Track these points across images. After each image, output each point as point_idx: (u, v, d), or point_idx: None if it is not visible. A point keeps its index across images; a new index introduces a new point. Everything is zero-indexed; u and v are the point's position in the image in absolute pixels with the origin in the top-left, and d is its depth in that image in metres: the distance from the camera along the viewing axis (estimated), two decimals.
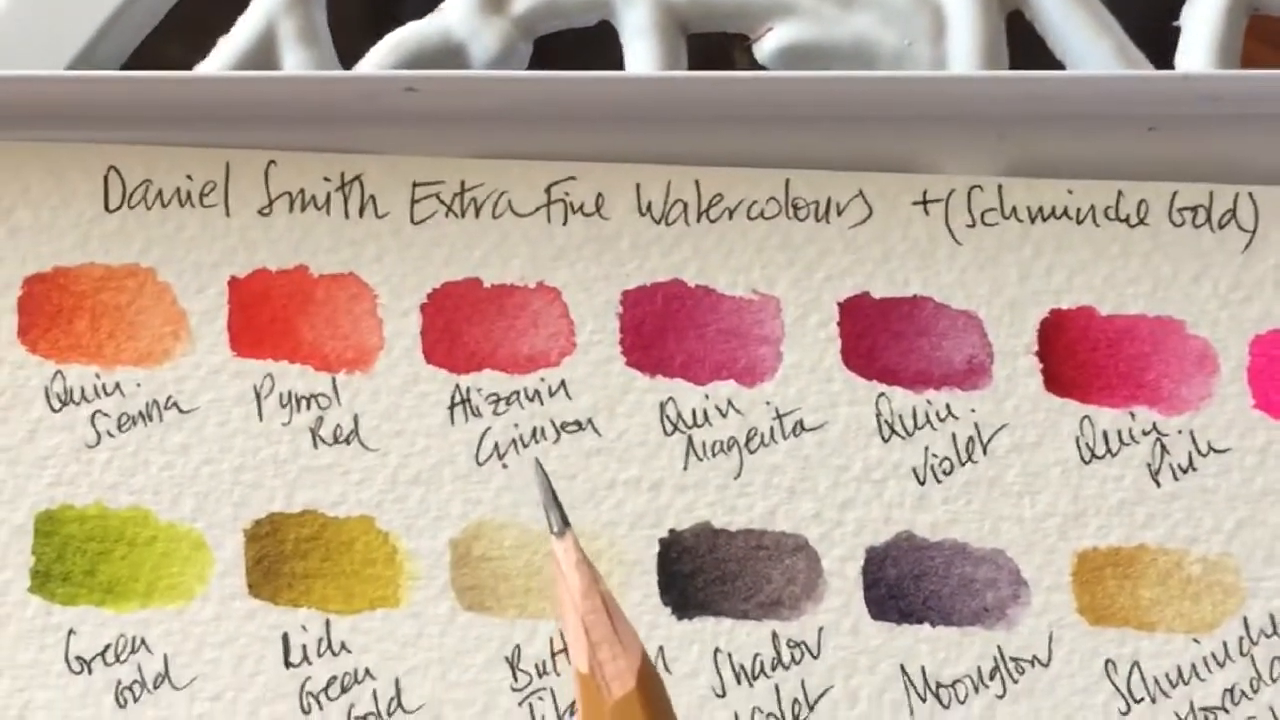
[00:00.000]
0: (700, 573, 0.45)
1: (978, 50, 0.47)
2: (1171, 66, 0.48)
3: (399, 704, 0.45)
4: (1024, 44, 0.48)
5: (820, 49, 0.47)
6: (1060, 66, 0.48)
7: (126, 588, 0.45)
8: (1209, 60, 0.47)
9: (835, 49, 0.48)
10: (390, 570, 0.45)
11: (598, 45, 0.49)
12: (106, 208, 0.46)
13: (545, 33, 0.49)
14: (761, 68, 0.49)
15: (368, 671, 0.45)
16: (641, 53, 0.48)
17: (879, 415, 0.46)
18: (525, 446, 0.46)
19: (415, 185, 0.47)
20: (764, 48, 0.48)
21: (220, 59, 0.48)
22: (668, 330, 0.46)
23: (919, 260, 0.46)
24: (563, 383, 0.46)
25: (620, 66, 0.48)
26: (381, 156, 0.47)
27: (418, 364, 0.46)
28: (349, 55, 0.49)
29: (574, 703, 0.44)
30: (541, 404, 0.46)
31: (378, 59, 0.48)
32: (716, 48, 0.50)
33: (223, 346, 0.46)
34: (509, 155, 0.47)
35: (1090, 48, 0.48)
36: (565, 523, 0.38)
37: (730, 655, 0.45)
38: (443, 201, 0.47)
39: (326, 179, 0.47)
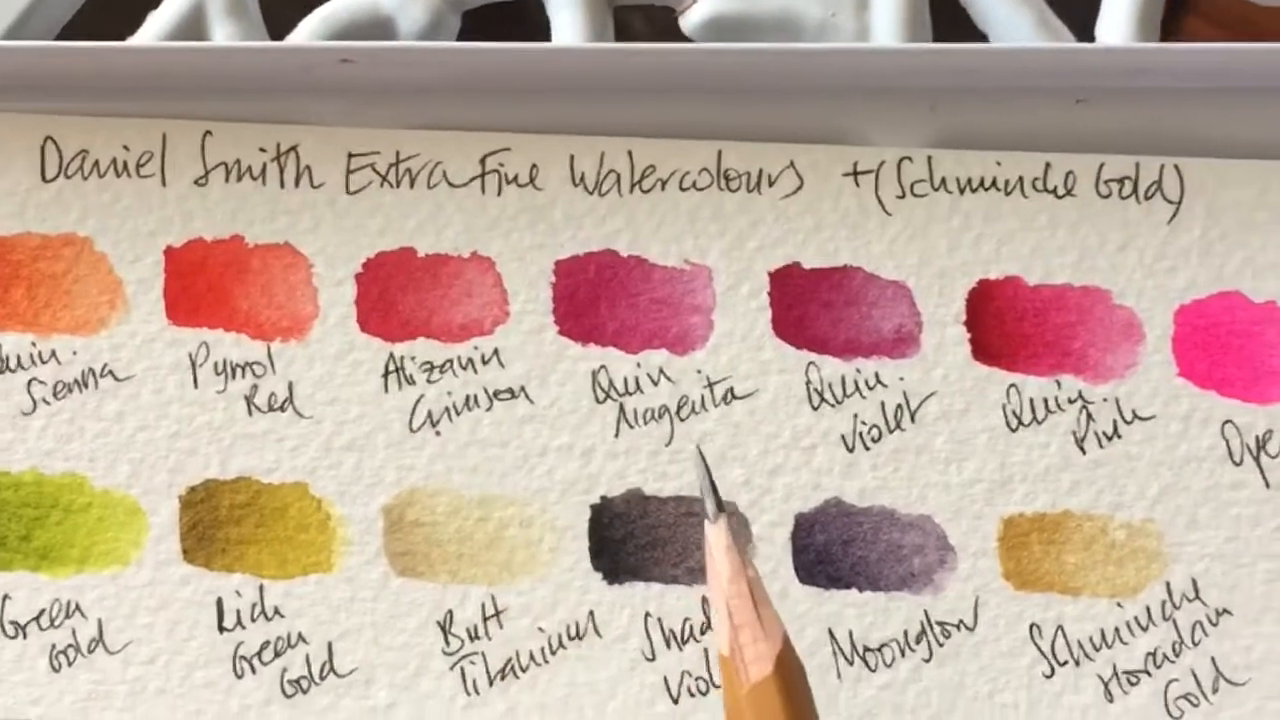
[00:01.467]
0: (631, 538, 0.47)
1: (901, 21, 0.49)
2: (1092, 38, 0.49)
3: (331, 668, 0.46)
4: (948, 15, 0.50)
5: (745, 21, 0.49)
6: (983, 38, 0.50)
7: (61, 553, 0.46)
8: (1130, 31, 0.49)
9: (760, 20, 0.49)
10: (324, 536, 0.47)
11: (522, 18, 0.51)
12: (43, 177, 0.48)
13: (472, 6, 0.50)
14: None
15: (300, 636, 0.46)
16: (567, 25, 0.49)
17: (809, 383, 0.47)
18: (458, 414, 0.47)
19: (350, 156, 0.48)
20: (690, 19, 0.49)
21: (150, 32, 0.49)
22: (600, 299, 0.48)
23: (849, 231, 0.48)
24: (496, 351, 0.47)
25: (546, 39, 0.50)
26: (317, 127, 0.48)
27: (352, 332, 0.47)
28: (278, 28, 0.50)
29: (507, 665, 0.46)
30: (475, 372, 0.47)
31: (307, 31, 0.49)
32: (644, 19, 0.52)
33: (158, 315, 0.47)
34: (444, 126, 0.48)
35: (1012, 19, 0.49)
36: (720, 509, 0.40)
37: (660, 620, 0.46)
38: (378, 172, 0.48)
39: (262, 149, 0.48)
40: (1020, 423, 0.47)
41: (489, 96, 0.48)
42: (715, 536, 0.40)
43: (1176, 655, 0.46)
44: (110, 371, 0.47)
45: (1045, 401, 0.47)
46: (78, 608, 0.46)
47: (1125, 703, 0.46)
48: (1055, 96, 0.49)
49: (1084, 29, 0.50)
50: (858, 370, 0.48)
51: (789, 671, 0.39)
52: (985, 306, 0.48)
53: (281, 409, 0.47)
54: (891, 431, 0.47)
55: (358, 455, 0.47)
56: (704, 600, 0.46)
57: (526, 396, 0.47)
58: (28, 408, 0.47)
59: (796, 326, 0.48)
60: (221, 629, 0.46)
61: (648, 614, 0.47)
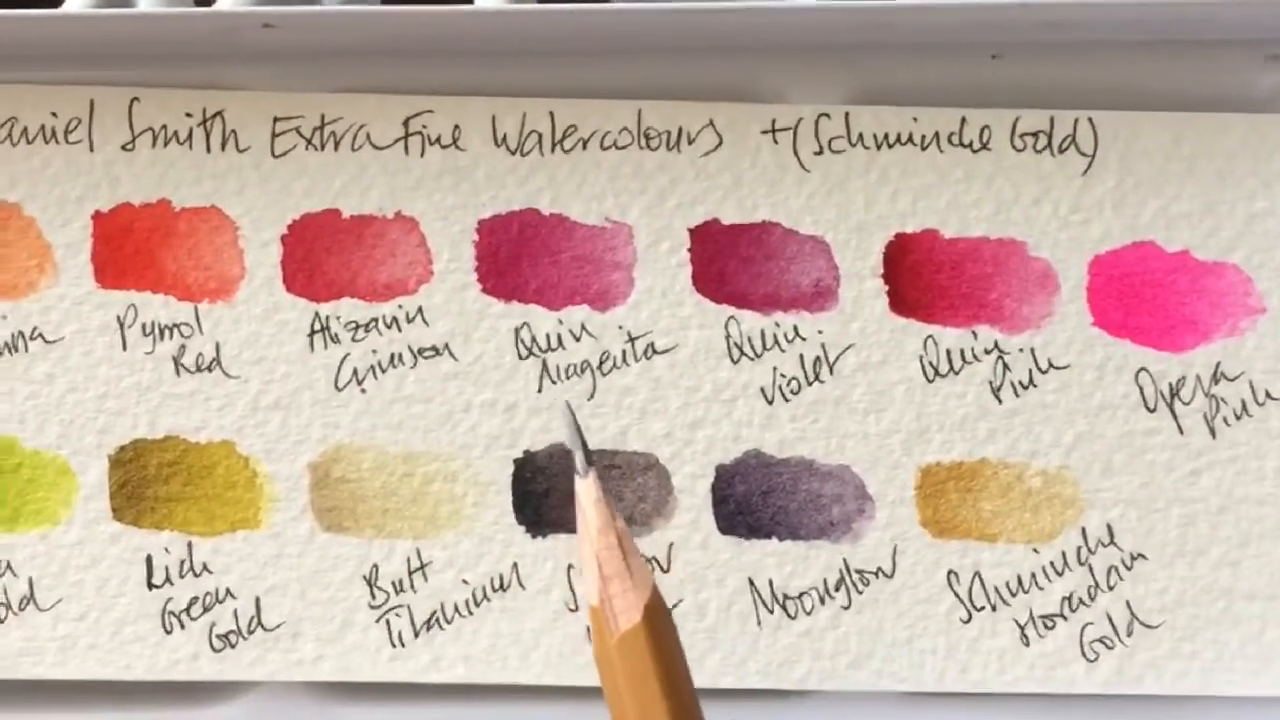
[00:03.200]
0: (554, 492, 0.48)
1: None
2: None
3: (259, 622, 0.48)
4: None
5: None
6: None
7: None
8: None
9: None
10: (251, 493, 0.48)
11: None
12: None
13: None
14: None
15: (229, 591, 0.48)
16: None
17: (728, 337, 0.49)
18: (383, 372, 0.49)
19: (276, 120, 0.50)
20: None
21: (77, 0, 0.51)
22: (522, 257, 0.49)
23: (768, 187, 0.50)
24: (420, 309, 0.49)
25: (468, 1, 0.51)
26: (242, 92, 0.50)
27: (278, 293, 0.49)
28: None
29: (432, 617, 0.48)
30: (399, 330, 0.49)
31: None
32: None
33: (87, 278, 0.49)
34: (367, 89, 0.50)
35: None
36: (589, 463, 0.42)
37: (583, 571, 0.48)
38: (302, 135, 0.50)
39: (189, 114, 0.50)
40: (937, 373, 0.49)
41: (411, 59, 0.50)
42: (584, 490, 0.42)
43: (1092, 599, 0.48)
44: (40, 334, 0.49)
45: (962, 352, 0.49)
46: (9, 566, 0.48)
47: (1041, 646, 0.48)
48: (970, 52, 0.50)
49: None
50: (777, 324, 0.49)
51: (658, 620, 0.40)
52: (902, 260, 0.50)
53: (209, 369, 0.49)
54: (810, 384, 0.49)
55: (284, 414, 0.49)
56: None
57: (450, 354, 0.49)
58: None
59: (716, 282, 0.50)
60: (151, 586, 0.48)
61: (570, 565, 0.48)
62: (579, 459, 0.42)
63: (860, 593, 0.49)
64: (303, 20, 0.50)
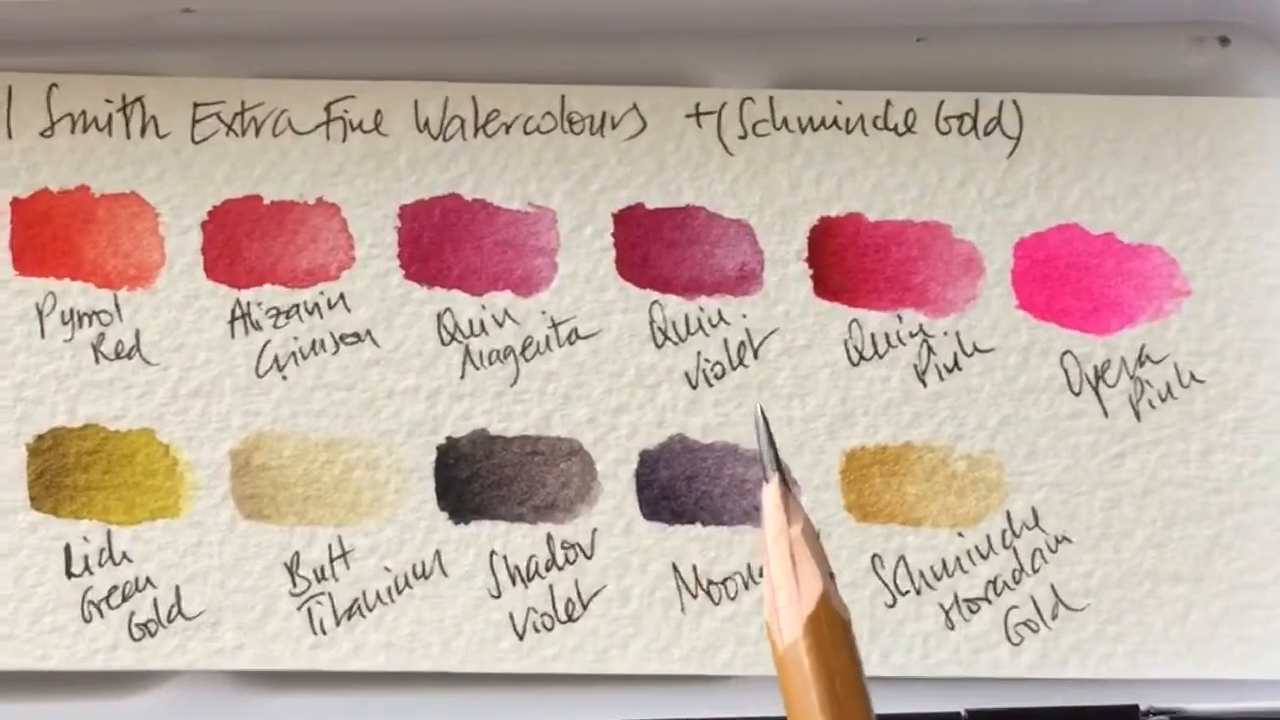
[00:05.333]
0: (477, 478, 0.50)
1: None
2: None
3: (179, 611, 0.49)
4: None
5: None
6: None
7: None
8: None
9: None
10: (171, 481, 0.49)
11: None
12: None
13: None
14: None
15: (148, 580, 0.49)
16: None
17: (652, 322, 0.50)
18: (304, 359, 0.50)
19: (196, 105, 0.51)
20: None
21: None
22: (445, 243, 0.51)
23: (692, 171, 0.51)
24: (342, 296, 0.50)
25: None
26: (162, 78, 0.51)
27: (199, 280, 0.50)
28: None
29: (354, 604, 0.49)
30: (321, 317, 0.50)
31: None
32: None
33: (5, 265, 0.50)
34: (288, 74, 0.51)
35: None
36: (774, 469, 0.42)
37: (505, 557, 0.49)
38: (223, 121, 0.51)
39: (108, 100, 0.51)
40: (862, 357, 0.50)
41: (333, 44, 0.52)
42: (765, 496, 0.42)
43: (1016, 583, 0.50)
44: None
45: (886, 336, 0.51)
46: None
47: (966, 630, 0.49)
48: (896, 35, 0.52)
49: None
50: (701, 308, 0.51)
51: (821, 633, 0.41)
52: (827, 243, 0.51)
53: (128, 356, 0.50)
54: (734, 368, 0.50)
55: (204, 401, 0.50)
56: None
57: (372, 340, 0.50)
58: None
59: (640, 266, 0.51)
60: (69, 574, 0.49)
61: (493, 552, 0.50)
62: (765, 462, 0.43)
63: None
64: (223, 4, 0.51)
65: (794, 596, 0.41)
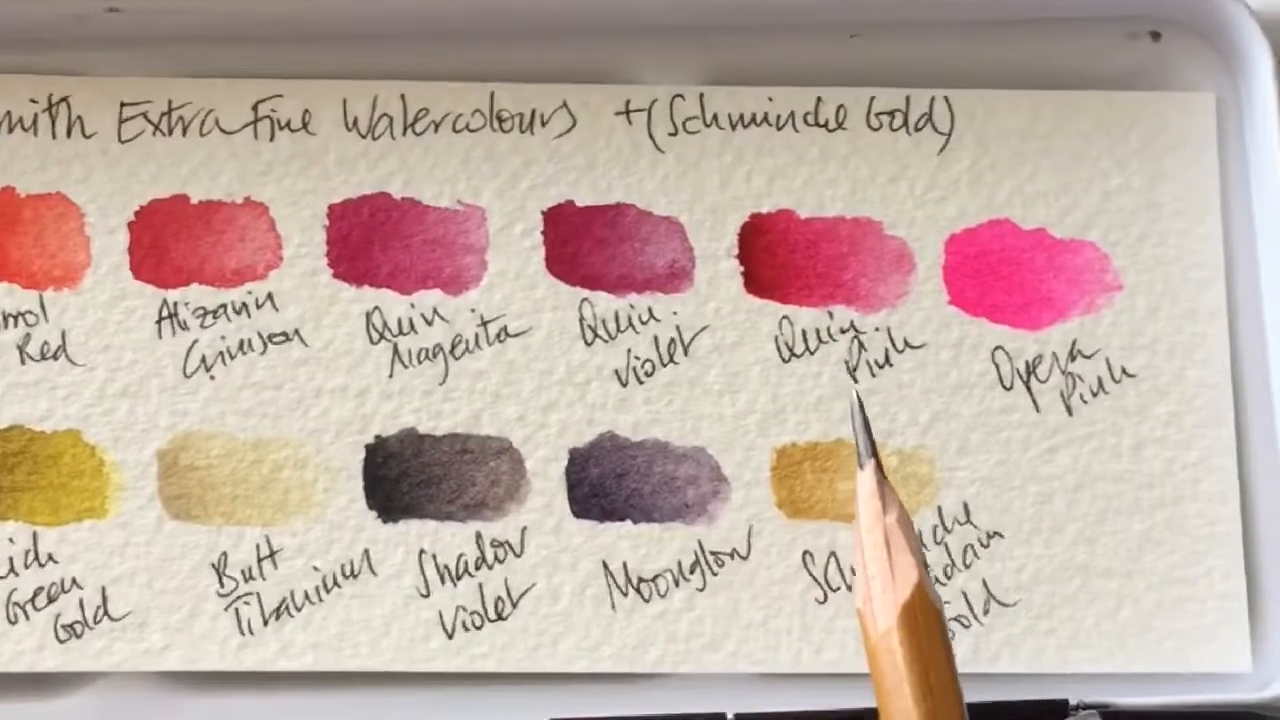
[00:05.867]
0: (406, 477, 0.50)
1: None
2: None
3: (105, 612, 0.49)
4: None
5: None
6: None
7: None
8: None
9: None
10: (98, 482, 0.49)
11: None
12: None
13: None
14: None
15: (75, 581, 0.49)
16: None
17: (582, 319, 0.50)
18: (232, 358, 0.50)
19: (123, 105, 0.51)
20: None
21: None
22: (374, 242, 0.51)
23: (622, 169, 0.51)
24: (270, 295, 0.50)
25: None
26: (89, 78, 0.51)
27: (125, 280, 0.50)
28: None
29: (281, 604, 0.49)
30: (248, 316, 0.50)
31: None
32: None
33: None
34: (216, 74, 0.51)
35: None
36: (869, 455, 0.42)
37: (435, 556, 0.49)
38: (150, 121, 0.51)
39: (33, 100, 0.51)
40: (793, 353, 0.51)
41: (260, 43, 0.52)
42: (860, 482, 0.42)
43: (948, 578, 0.50)
44: None
45: (818, 332, 0.51)
46: None
47: None
48: (827, 31, 0.52)
49: None
50: (631, 306, 0.51)
51: (915, 621, 0.41)
52: (757, 240, 0.51)
53: (54, 357, 0.50)
54: (665, 365, 0.51)
55: (131, 401, 0.50)
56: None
57: (301, 339, 0.50)
58: None
59: (570, 264, 0.51)
60: None
61: (422, 551, 0.50)
62: (861, 449, 0.42)
63: (715, 574, 0.50)
64: (149, 4, 0.51)
65: (889, 585, 0.41)
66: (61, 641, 0.50)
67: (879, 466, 0.42)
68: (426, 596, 0.50)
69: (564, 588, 0.50)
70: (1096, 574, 0.50)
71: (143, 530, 0.50)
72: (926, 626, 0.41)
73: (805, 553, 0.50)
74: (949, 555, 0.50)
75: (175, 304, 0.51)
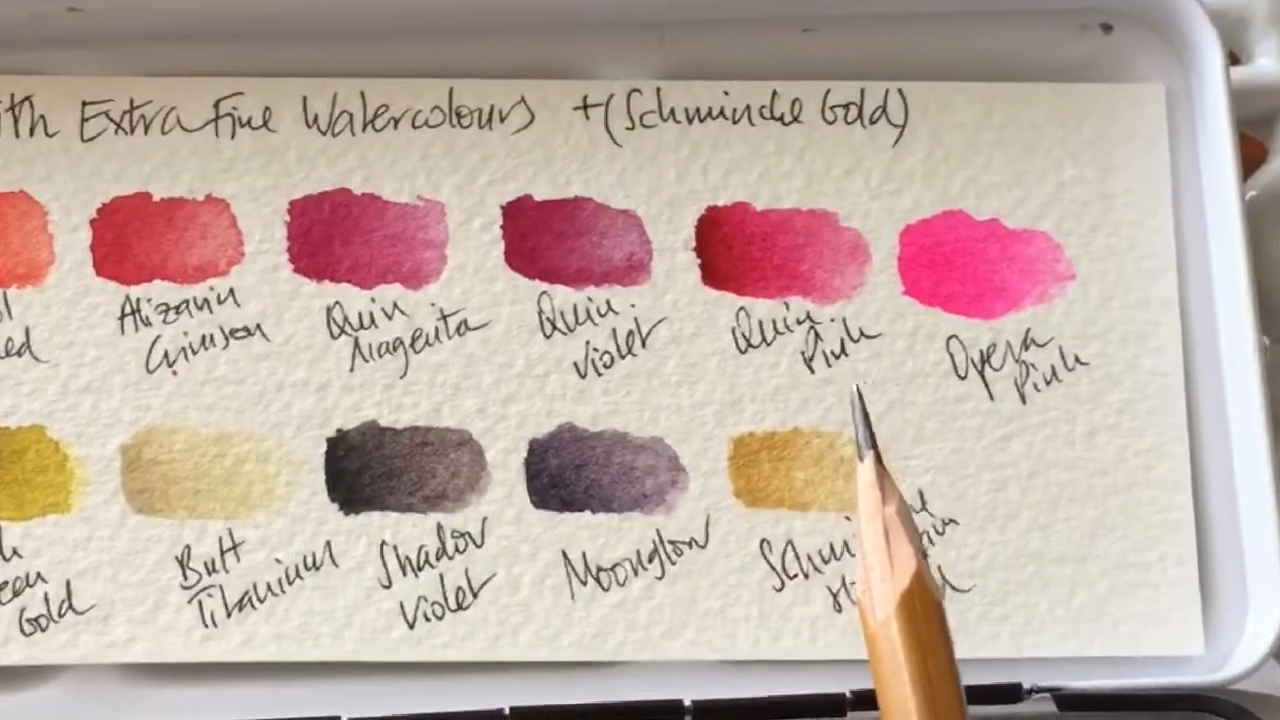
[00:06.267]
0: (367, 469, 0.50)
1: None
2: None
3: (70, 605, 0.49)
4: None
5: None
6: None
7: None
8: None
9: None
10: (61, 477, 0.50)
11: None
12: None
13: None
14: None
15: (39, 575, 0.50)
16: None
17: (541, 312, 0.51)
18: (195, 354, 0.51)
19: (85, 104, 0.52)
20: None
21: None
22: (334, 237, 0.51)
23: (580, 163, 0.52)
24: (231, 291, 0.51)
25: None
26: (51, 77, 0.52)
27: (88, 277, 0.51)
28: None
29: (244, 596, 0.49)
30: (211, 312, 0.51)
31: None
32: None
33: None
34: (176, 72, 0.52)
35: None
36: (869, 447, 0.42)
37: (396, 547, 0.50)
38: (112, 119, 0.52)
39: None
40: (750, 344, 0.51)
41: (221, 41, 0.52)
42: (860, 475, 0.43)
43: None
44: None
45: (774, 323, 0.51)
46: None
47: (853, 613, 0.50)
48: (782, 25, 0.53)
49: None
50: (589, 298, 0.51)
51: (914, 611, 0.41)
52: (714, 232, 0.52)
53: (18, 354, 0.51)
54: (623, 357, 0.51)
55: (95, 397, 0.51)
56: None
57: (262, 334, 0.51)
58: None
59: (529, 258, 0.52)
60: None
61: (384, 542, 0.50)
62: (860, 441, 0.43)
63: (674, 563, 0.51)
64: (110, 4, 0.52)
65: (888, 574, 0.41)
66: (26, 635, 0.50)
67: (878, 458, 0.43)
68: (388, 587, 0.51)
69: (524, 578, 0.51)
70: (1050, 560, 0.51)
71: (106, 524, 0.51)
72: (925, 615, 0.41)
73: (763, 541, 0.51)
74: None
75: (138, 300, 0.52)
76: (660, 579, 0.51)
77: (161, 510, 0.51)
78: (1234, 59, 0.55)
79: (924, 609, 0.41)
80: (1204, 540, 0.51)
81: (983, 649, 0.50)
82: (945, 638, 0.42)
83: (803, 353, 0.52)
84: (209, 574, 0.51)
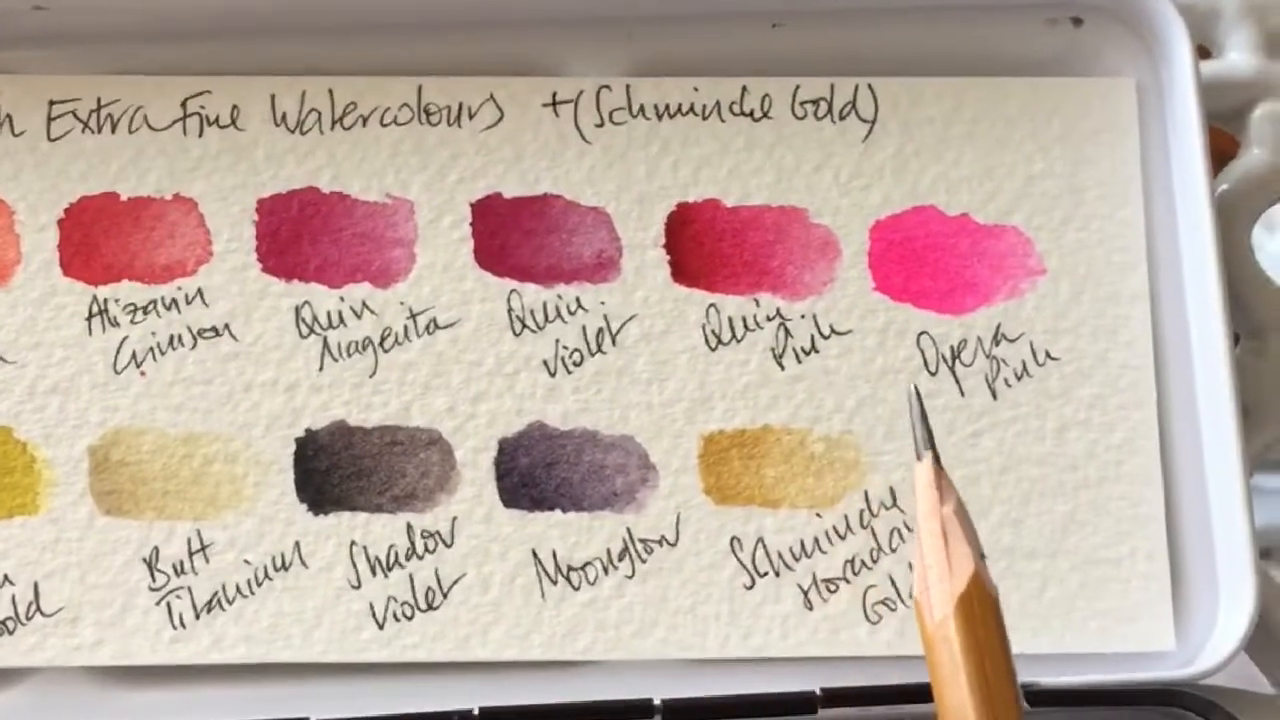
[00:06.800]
0: (336, 469, 0.50)
1: None
2: None
3: (38, 608, 0.49)
4: None
5: None
6: None
7: None
8: None
9: None
10: (29, 478, 0.50)
11: None
12: None
13: None
14: None
15: (6, 577, 0.49)
16: None
17: (510, 310, 0.51)
18: (162, 354, 0.51)
19: (52, 103, 0.52)
20: None
21: None
22: (303, 236, 0.51)
23: (549, 160, 0.52)
24: (200, 290, 0.51)
25: None
26: (16, 76, 0.52)
27: (55, 277, 0.51)
28: None
29: (213, 598, 0.49)
30: (179, 312, 0.51)
31: None
32: None
33: None
34: (144, 71, 0.52)
35: None
36: (927, 447, 0.43)
37: (366, 548, 0.50)
38: (79, 118, 0.51)
39: None
40: (720, 341, 0.51)
41: (188, 40, 0.52)
42: (918, 475, 0.43)
43: (874, 562, 0.50)
44: None
45: (744, 320, 0.51)
46: None
47: (824, 610, 0.50)
48: (751, 21, 0.53)
49: None
50: (559, 296, 0.51)
51: (971, 612, 0.41)
52: (684, 229, 0.52)
53: None
54: (593, 354, 0.51)
55: (62, 398, 0.50)
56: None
57: (230, 334, 0.51)
58: None
59: (498, 255, 0.52)
60: None
61: (353, 543, 0.50)
62: (919, 440, 0.43)
63: (644, 562, 0.50)
64: (74, 2, 0.51)
65: (945, 574, 0.41)
66: None
67: (936, 458, 0.43)
68: (357, 588, 0.50)
69: (494, 577, 0.50)
70: (1021, 555, 0.51)
71: (74, 526, 0.50)
72: (983, 616, 0.41)
73: (733, 539, 0.51)
74: (875, 539, 0.51)
75: (105, 300, 0.51)
76: (630, 578, 0.51)
77: (130, 511, 0.51)
78: (1204, 53, 0.55)
79: (981, 610, 0.41)
80: (1174, 535, 0.51)
81: None
82: (1003, 639, 0.42)
83: (773, 349, 0.52)
84: (177, 575, 0.50)
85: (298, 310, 0.52)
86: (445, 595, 0.50)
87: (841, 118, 0.53)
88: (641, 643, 0.50)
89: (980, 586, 0.42)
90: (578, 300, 0.52)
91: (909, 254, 0.52)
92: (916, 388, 0.46)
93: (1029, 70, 0.53)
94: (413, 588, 0.50)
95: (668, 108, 0.53)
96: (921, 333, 0.52)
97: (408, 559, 0.51)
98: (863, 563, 0.51)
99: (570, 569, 0.51)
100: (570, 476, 0.51)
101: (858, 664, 0.50)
